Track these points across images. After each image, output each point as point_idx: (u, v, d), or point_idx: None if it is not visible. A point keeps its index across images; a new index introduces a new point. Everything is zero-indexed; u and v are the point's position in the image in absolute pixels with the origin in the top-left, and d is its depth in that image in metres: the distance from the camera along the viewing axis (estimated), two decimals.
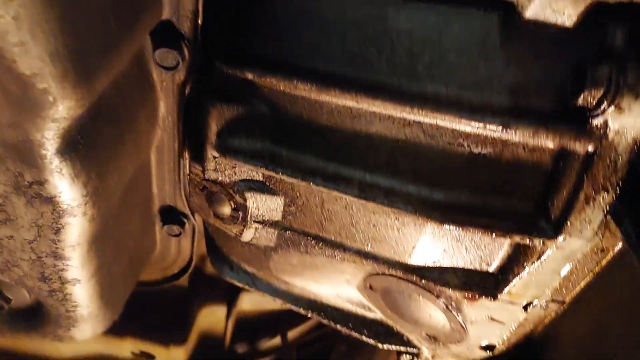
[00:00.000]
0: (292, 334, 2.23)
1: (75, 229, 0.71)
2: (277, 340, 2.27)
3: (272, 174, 0.75)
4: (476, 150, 0.70)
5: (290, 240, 0.86)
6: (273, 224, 0.84)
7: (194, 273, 1.45)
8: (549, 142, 0.67)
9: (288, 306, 1.06)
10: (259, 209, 0.81)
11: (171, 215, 1.02)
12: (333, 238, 0.83)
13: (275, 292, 1.04)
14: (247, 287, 1.04)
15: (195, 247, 1.11)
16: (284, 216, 0.83)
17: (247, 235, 0.86)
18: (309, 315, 1.05)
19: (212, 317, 1.98)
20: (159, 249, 1.07)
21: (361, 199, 0.72)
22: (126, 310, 1.41)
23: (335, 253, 0.85)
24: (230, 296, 2.01)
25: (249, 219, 0.83)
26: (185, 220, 1.02)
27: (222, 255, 1.03)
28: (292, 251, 0.89)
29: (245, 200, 0.81)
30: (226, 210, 0.84)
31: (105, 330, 0.97)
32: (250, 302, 2.10)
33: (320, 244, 0.84)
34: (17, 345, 1.71)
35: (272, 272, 0.99)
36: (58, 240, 0.72)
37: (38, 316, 0.88)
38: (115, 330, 1.87)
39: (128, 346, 1.84)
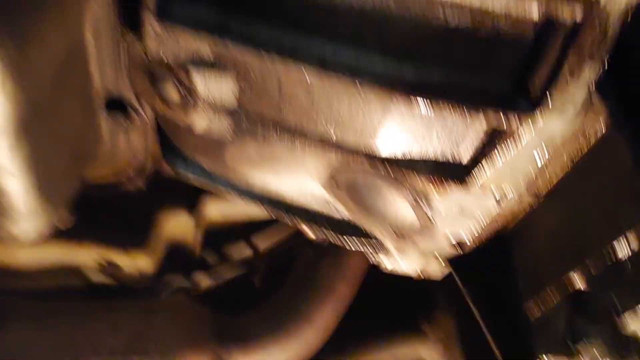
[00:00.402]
0: (262, 243, 2.21)
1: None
2: (247, 250, 2.26)
3: (221, 47, 0.66)
4: (453, 22, 0.62)
5: (247, 128, 0.78)
6: (227, 110, 0.75)
7: (154, 176, 1.38)
8: (533, 9, 0.59)
9: (251, 205, 1.01)
10: (209, 92, 0.73)
11: (117, 106, 0.93)
12: (293, 124, 0.75)
13: (236, 189, 0.98)
14: (203, 182, 0.97)
15: (148, 144, 1.03)
16: (238, 102, 0.74)
17: (199, 124, 0.78)
18: (271, 213, 1.00)
19: (177, 225, 1.93)
20: (108, 144, 0.99)
21: (322, 75, 0.64)
22: (88, 217, 1.34)
23: (296, 141, 0.78)
24: (194, 202, 1.96)
25: (199, 104, 0.74)
26: (132, 111, 0.93)
27: (175, 149, 0.96)
28: (249, 140, 0.81)
29: (193, 82, 0.72)
30: (173, 95, 0.75)
31: (52, 229, 0.90)
32: (218, 210, 2.05)
33: (279, 131, 0.76)
34: None
35: (229, 165, 0.92)
36: None
37: None
38: (76, 238, 1.81)
39: (91, 253, 1.79)
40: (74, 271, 1.82)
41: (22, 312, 1.39)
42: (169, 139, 0.96)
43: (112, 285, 1.94)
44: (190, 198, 1.89)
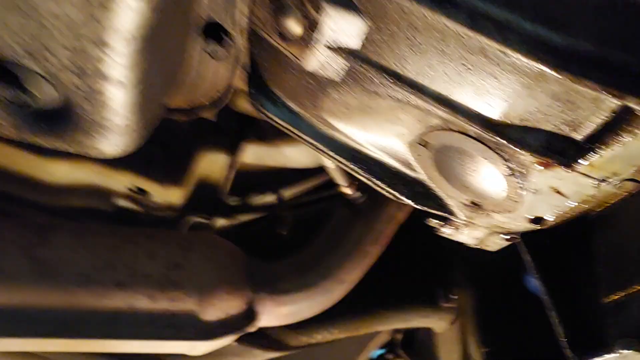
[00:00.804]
0: (288, 192, 2.21)
1: (134, 16, 0.59)
2: (272, 198, 2.26)
3: None
4: None
5: (360, 75, 0.76)
6: (348, 52, 0.73)
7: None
8: None
9: (327, 154, 0.99)
10: (336, 31, 0.70)
11: (215, 34, 0.90)
12: (414, 77, 0.73)
13: (318, 137, 0.96)
14: (288, 126, 0.96)
15: (234, 78, 1.00)
16: (363, 45, 0.72)
17: (314, 62, 0.76)
18: (351, 166, 0.99)
19: (214, 164, 1.92)
20: (195, 71, 0.96)
21: (471, 31, 0.62)
22: None
23: (411, 97, 0.76)
24: (234, 146, 1.94)
25: (320, 41, 0.72)
26: (230, 42, 0.90)
27: (267, 87, 0.93)
28: (357, 90, 0.79)
29: (322, 18, 0.69)
30: (295, 27, 0.72)
31: (134, 150, 0.89)
32: (254, 155, 2.04)
33: (396, 84, 0.74)
34: (9, 163, 1.63)
35: (322, 113, 0.90)
36: (112, 27, 0.60)
37: (65, 121, 0.78)
38: (114, 162, 1.80)
39: (124, 180, 1.78)
40: (101, 194, 1.82)
41: (63, 228, 1.39)
42: (261, 75, 0.94)
43: (137, 212, 1.94)
44: (232, 140, 1.87)
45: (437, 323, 2.08)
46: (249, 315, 1.59)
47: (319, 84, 0.82)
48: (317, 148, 0.98)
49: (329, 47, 0.73)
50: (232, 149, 1.97)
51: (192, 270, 1.47)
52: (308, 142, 0.97)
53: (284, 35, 0.75)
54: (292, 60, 0.78)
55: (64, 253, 1.33)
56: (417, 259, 2.06)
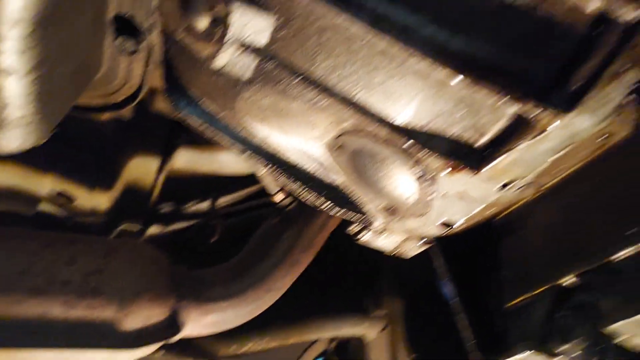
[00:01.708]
0: (223, 200, 2.17)
1: None
2: (206, 205, 2.21)
3: None
4: None
5: (270, 74, 0.75)
6: (256, 50, 0.72)
7: (137, 110, 1.31)
8: (591, 1, 0.60)
9: (245, 156, 0.98)
10: (244, 26, 0.69)
11: (127, 29, 0.87)
12: (322, 78, 0.73)
13: (235, 138, 0.95)
14: (203, 126, 0.94)
15: (147, 74, 0.97)
16: (271, 42, 0.71)
17: (221, 59, 0.74)
18: (268, 168, 0.97)
19: (143, 168, 1.86)
20: (106, 67, 0.93)
21: (373, 30, 0.62)
22: (53, 142, 1.26)
23: (319, 98, 0.75)
24: (166, 149, 1.89)
25: (228, 37, 0.71)
26: (141, 37, 0.87)
27: (182, 85, 0.91)
28: (268, 89, 0.79)
29: (229, 13, 0.68)
30: (202, 22, 0.71)
31: (35, 144, 0.84)
32: (187, 160, 1.99)
33: (304, 84, 0.74)
34: None
35: (237, 113, 0.88)
36: None
37: None
38: (37, 163, 1.71)
39: (48, 183, 1.70)
40: (24, 197, 1.73)
41: None
42: (176, 73, 0.91)
43: (61, 217, 1.86)
44: (163, 144, 1.82)
45: (367, 331, 2.09)
46: (172, 324, 1.54)
47: (230, 83, 0.80)
48: (236, 150, 0.97)
49: (235, 43, 0.72)
50: (163, 153, 1.93)
51: (113, 277, 1.41)
52: (226, 144, 0.96)
53: (191, 30, 0.73)
54: (201, 57, 0.76)
55: None
56: (348, 267, 2.06)
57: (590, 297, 0.72)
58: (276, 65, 0.73)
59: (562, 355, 0.74)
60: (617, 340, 0.68)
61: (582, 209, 0.74)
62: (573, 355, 0.72)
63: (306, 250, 1.81)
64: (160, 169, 1.94)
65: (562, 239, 0.76)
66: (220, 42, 0.72)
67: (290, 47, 0.71)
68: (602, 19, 0.61)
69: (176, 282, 1.56)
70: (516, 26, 0.63)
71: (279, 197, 1.76)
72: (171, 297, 1.53)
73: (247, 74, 0.76)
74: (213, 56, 0.74)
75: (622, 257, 0.65)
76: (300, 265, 1.80)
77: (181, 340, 1.62)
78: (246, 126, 0.93)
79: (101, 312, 1.41)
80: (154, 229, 2.22)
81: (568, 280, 0.73)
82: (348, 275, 2.14)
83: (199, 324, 1.62)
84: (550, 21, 0.62)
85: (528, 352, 0.77)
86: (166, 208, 2.25)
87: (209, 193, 2.21)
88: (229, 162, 1.98)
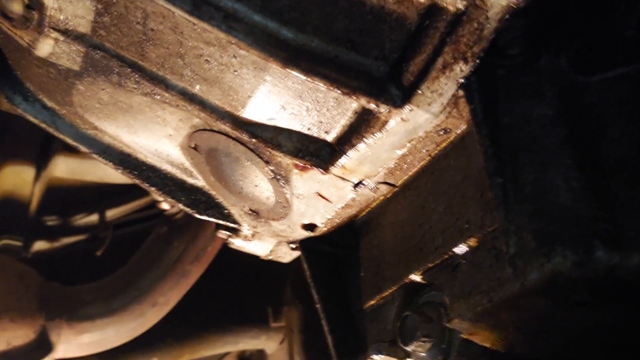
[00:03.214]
0: (111, 212, 2.05)
1: None
2: (94, 217, 2.09)
3: None
4: None
5: (101, 65, 0.70)
6: (79, 37, 0.66)
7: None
8: None
9: (95, 158, 0.90)
10: (60, 10, 0.63)
11: None
12: (155, 69, 0.68)
13: (80, 138, 0.87)
14: (44, 125, 0.86)
15: None
16: (94, 29, 0.65)
17: (43, 47, 0.68)
18: (120, 171, 0.91)
19: (18, 178, 1.72)
20: None
21: (193, 17, 0.58)
22: None
23: (156, 90, 0.70)
24: (42, 157, 1.76)
25: (46, 23, 0.64)
26: None
27: (15, 78, 0.83)
28: (102, 82, 0.73)
29: None
30: (16, 5, 0.64)
31: None
32: (68, 169, 1.87)
33: (137, 75, 0.68)
34: None
35: (76, 109, 0.81)
36: None
37: None
38: None
39: None
40: None
41: None
42: (9, 67, 0.83)
43: None
44: (40, 149, 1.70)
45: (266, 344, 2.03)
46: (41, 345, 1.42)
47: (60, 74, 0.74)
48: (82, 150, 0.89)
49: (56, 30, 0.65)
50: (39, 161, 1.79)
51: None
52: (70, 144, 0.88)
53: (6, 15, 0.66)
54: (24, 46, 0.69)
55: None
56: (247, 277, 1.99)
57: (435, 294, 0.71)
58: (105, 54, 0.67)
59: (412, 356, 0.73)
60: (463, 336, 0.68)
61: (425, 204, 0.73)
62: (421, 355, 0.71)
63: (197, 260, 1.73)
64: (36, 178, 1.81)
65: (408, 236, 0.75)
66: (39, 27, 0.65)
67: (117, 35, 0.65)
68: (433, 10, 0.60)
69: (46, 300, 1.44)
70: (346, 17, 0.61)
71: (166, 205, 1.68)
72: (39, 317, 1.41)
73: (75, 64, 0.70)
74: (34, 44, 0.67)
75: (460, 251, 0.65)
76: (191, 277, 1.72)
77: None
78: (93, 124, 0.86)
79: None
80: (40, 244, 2.07)
81: (415, 278, 0.72)
82: (249, 283, 2.07)
83: (74, 344, 1.50)
84: (381, 12, 0.61)
85: (380, 355, 0.75)
86: (51, 221, 2.10)
87: (97, 203, 2.09)
88: (114, 170, 1.86)
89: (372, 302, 0.81)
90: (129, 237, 2.03)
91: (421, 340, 0.69)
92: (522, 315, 0.58)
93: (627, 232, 0.54)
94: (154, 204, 1.91)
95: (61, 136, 0.86)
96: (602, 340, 0.61)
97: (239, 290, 2.03)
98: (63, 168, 1.86)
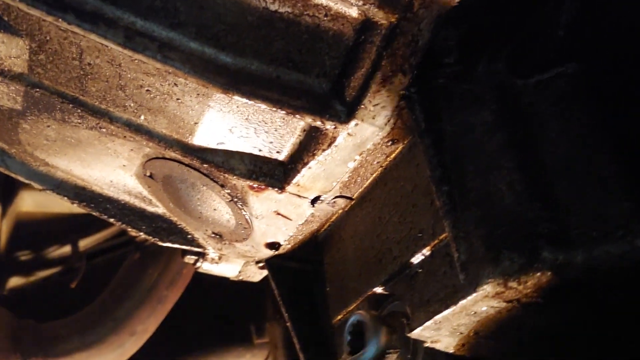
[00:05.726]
0: (83, 242, 2.02)
1: None
2: (66, 248, 2.05)
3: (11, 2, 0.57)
4: (273, 7, 0.60)
5: (42, 102, 0.69)
6: (16, 77, 0.65)
7: None
8: (352, 7, 0.59)
9: (50, 193, 0.89)
10: None
11: None
12: (97, 103, 0.67)
13: (32, 175, 0.86)
14: None
15: None
16: (30, 67, 0.65)
17: None
18: (76, 204, 0.90)
19: None
20: None
21: (127, 50, 0.58)
22: None
23: (100, 124, 0.70)
24: (6, 193, 1.73)
25: None
26: None
27: None
28: (46, 119, 0.72)
29: None
30: None
31: None
32: (34, 202, 1.84)
33: (80, 110, 0.68)
34: None
35: (25, 147, 0.80)
36: None
37: None
38: None
39: None
40: None
41: None
42: None
43: None
44: (3, 185, 1.67)
45: None
46: None
47: (4, 114, 0.73)
48: (36, 187, 0.88)
49: None
50: (3, 198, 1.77)
51: None
52: (23, 181, 0.87)
53: None
54: None
55: None
56: (227, 295, 1.97)
57: (398, 305, 0.71)
58: (45, 92, 0.66)
59: None
60: (426, 345, 0.68)
61: (381, 215, 0.73)
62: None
63: (173, 284, 1.71)
64: (2, 215, 1.78)
65: (368, 247, 0.75)
66: None
67: (54, 72, 0.64)
68: (367, 25, 0.60)
69: (19, 339, 1.41)
70: (284, 38, 0.61)
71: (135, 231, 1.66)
72: (14, 358, 1.38)
73: (16, 103, 0.69)
74: None
75: (416, 261, 0.65)
76: (168, 302, 1.70)
77: None
78: (44, 161, 0.85)
79: None
80: (14, 281, 2.03)
81: (377, 289, 0.72)
82: (232, 303, 2.05)
83: None
84: (317, 30, 0.61)
85: None
86: (24, 256, 2.07)
87: (69, 234, 2.06)
88: None
89: (340, 317, 0.81)
90: (103, 266, 2.01)
91: (387, 352, 0.69)
92: (478, 319, 0.58)
93: (571, 230, 0.55)
94: (126, 230, 1.89)
95: (13, 175, 0.85)
96: (560, 338, 0.61)
97: (220, 309, 2.01)
98: (29, 202, 1.84)
